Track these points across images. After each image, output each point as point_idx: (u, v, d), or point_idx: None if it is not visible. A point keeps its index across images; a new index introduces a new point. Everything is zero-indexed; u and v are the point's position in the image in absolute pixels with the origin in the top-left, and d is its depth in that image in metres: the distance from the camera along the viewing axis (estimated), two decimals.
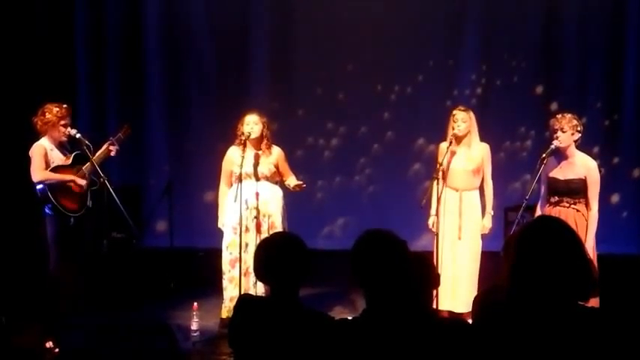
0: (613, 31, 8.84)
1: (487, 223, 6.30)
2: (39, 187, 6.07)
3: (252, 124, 6.20)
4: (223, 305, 6.26)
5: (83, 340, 5.73)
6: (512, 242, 2.74)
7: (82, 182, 6.18)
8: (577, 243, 2.68)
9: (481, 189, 6.36)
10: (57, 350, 5.47)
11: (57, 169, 6.13)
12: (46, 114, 6.09)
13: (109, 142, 6.38)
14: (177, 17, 9.13)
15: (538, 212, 6.02)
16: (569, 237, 2.68)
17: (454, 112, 6.26)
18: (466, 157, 6.24)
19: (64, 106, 6.17)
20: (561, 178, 5.81)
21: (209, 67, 9.17)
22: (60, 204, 6.08)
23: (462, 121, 6.17)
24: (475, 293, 6.09)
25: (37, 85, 7.90)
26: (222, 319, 6.27)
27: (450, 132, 6.22)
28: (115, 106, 9.15)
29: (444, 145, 6.32)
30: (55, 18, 8.64)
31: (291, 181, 6.35)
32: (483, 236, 6.32)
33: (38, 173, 6.03)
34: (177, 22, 9.14)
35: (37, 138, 6.17)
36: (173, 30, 9.14)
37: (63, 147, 6.26)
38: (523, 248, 2.68)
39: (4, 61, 8.12)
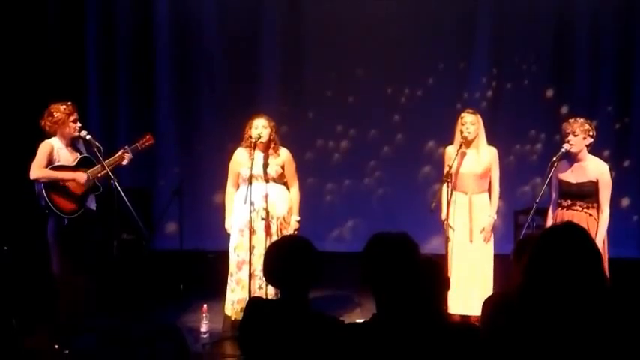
0: (624, 34, 8.82)
1: (487, 226, 6.20)
2: (36, 184, 5.93)
3: (260, 127, 6.19)
4: (231, 306, 6.23)
5: (93, 342, 5.74)
6: (526, 245, 2.74)
7: (82, 180, 5.95)
8: (598, 255, 2.70)
9: (488, 192, 6.33)
10: (67, 352, 5.50)
11: (58, 169, 5.94)
12: (54, 113, 5.94)
13: (123, 150, 6.22)
14: (188, 20, 9.14)
15: (549, 215, 6.01)
16: (591, 247, 2.70)
17: (462, 114, 6.23)
18: (474, 160, 6.21)
19: (69, 103, 6.03)
20: (573, 181, 5.82)
21: (219, 70, 9.16)
22: (54, 204, 5.88)
23: (471, 123, 6.14)
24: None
25: (48, 87, 7.90)
26: (231, 320, 6.25)
27: (458, 135, 6.20)
28: (125, 108, 9.16)
29: (450, 149, 6.30)
30: (66, 24, 8.68)
31: (292, 220, 6.34)
32: (494, 238, 6.29)
33: (34, 171, 5.86)
34: (188, 25, 9.14)
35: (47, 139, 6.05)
36: (184, 33, 9.15)
37: (75, 149, 6.11)
38: (544, 253, 2.68)
39: (15, 68, 8.14)
